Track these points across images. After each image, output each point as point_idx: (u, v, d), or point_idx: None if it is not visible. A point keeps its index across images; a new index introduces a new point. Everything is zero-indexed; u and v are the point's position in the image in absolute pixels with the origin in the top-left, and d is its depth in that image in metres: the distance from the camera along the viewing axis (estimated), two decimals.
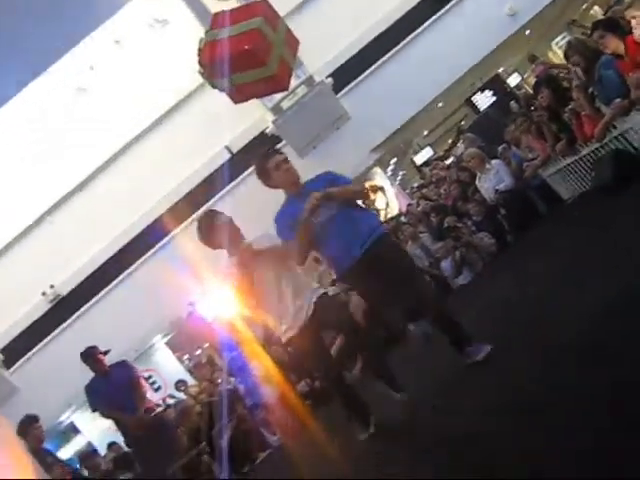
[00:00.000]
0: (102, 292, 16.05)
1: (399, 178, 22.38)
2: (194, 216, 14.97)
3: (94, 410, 7.69)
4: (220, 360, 14.27)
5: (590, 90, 6.93)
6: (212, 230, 5.25)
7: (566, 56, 8.58)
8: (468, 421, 3.61)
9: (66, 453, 15.81)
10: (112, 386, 7.61)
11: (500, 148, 9.82)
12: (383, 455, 4.33)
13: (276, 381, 8.76)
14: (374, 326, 5.82)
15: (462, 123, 22.31)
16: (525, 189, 9.18)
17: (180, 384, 13.39)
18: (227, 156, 15.53)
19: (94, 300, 16.08)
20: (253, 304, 5.07)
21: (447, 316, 4.72)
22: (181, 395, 13.43)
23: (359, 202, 4.91)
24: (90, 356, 7.79)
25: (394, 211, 15.35)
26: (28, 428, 7.54)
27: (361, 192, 4.43)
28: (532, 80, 17.72)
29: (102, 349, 7.95)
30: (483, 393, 3.88)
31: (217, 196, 14.93)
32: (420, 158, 20.64)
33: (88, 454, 11.04)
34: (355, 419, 5.10)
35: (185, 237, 14.68)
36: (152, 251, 15.35)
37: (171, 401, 13.29)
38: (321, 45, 14.68)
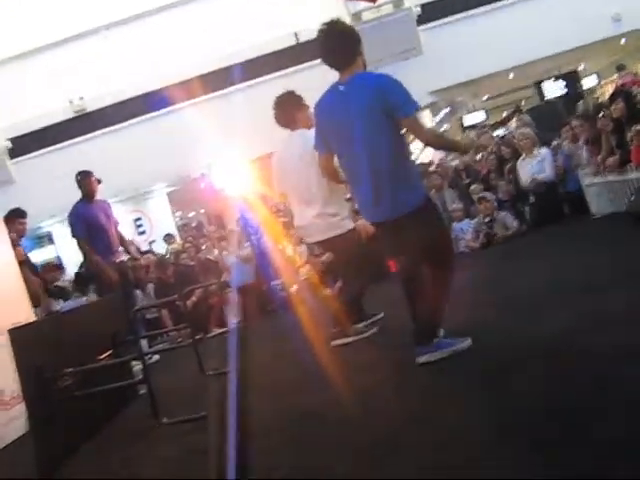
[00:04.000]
0: (125, 123, 16.04)
1: (442, 129, 22.12)
2: (239, 85, 14.89)
3: (73, 236, 7.76)
4: (207, 229, 14.42)
5: None
6: (297, 109, 5.44)
7: None
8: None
9: (33, 257, 16.05)
10: (95, 212, 7.77)
11: (554, 142, 9.71)
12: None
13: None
14: (371, 254, 5.80)
15: (522, 103, 22.01)
16: (560, 187, 9.18)
17: (168, 237, 13.53)
18: (293, 42, 15.38)
19: (114, 127, 16.08)
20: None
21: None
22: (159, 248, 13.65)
23: None
24: (86, 178, 7.88)
25: (426, 158, 15.24)
26: (14, 220, 7.66)
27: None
28: (608, 88, 17.46)
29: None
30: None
31: (268, 76, 14.85)
32: (470, 119, 20.36)
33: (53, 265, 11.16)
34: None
35: (224, 103, 14.68)
36: (188, 103, 15.20)
37: (153, 246, 13.53)
38: None
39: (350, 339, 5.23)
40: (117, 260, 7.78)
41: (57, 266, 10.85)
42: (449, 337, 4.11)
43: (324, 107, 4.30)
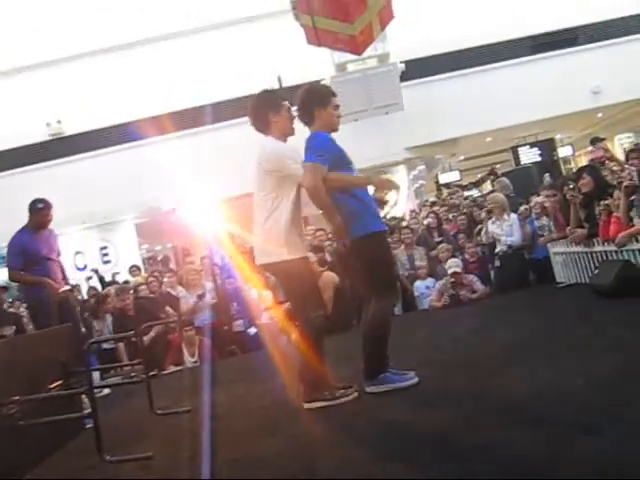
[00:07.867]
0: (101, 150, 15.98)
1: (416, 186, 22.33)
2: (222, 124, 14.95)
3: (7, 266, 7.21)
4: (174, 265, 14.30)
5: (632, 198, 6.91)
6: (277, 106, 4.62)
7: (627, 155, 8.66)
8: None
9: None
10: (38, 243, 7.26)
11: (522, 208, 9.78)
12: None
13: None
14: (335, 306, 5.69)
15: (498, 166, 22.32)
16: (527, 254, 9.26)
17: (134, 268, 13.39)
18: (276, 85, 15.49)
19: (90, 154, 16.00)
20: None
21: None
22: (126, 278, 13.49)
23: None
24: (44, 207, 7.32)
25: (398, 212, 15.31)
26: None
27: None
28: (582, 160, 17.78)
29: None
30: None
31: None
32: (445, 178, 20.75)
33: None
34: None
35: (195, 142, 14.72)
36: (162, 138, 15.21)
37: (117, 277, 13.36)
38: (413, 29, 14.57)
39: (325, 403, 4.39)
40: (60, 290, 7.29)
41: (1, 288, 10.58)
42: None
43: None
